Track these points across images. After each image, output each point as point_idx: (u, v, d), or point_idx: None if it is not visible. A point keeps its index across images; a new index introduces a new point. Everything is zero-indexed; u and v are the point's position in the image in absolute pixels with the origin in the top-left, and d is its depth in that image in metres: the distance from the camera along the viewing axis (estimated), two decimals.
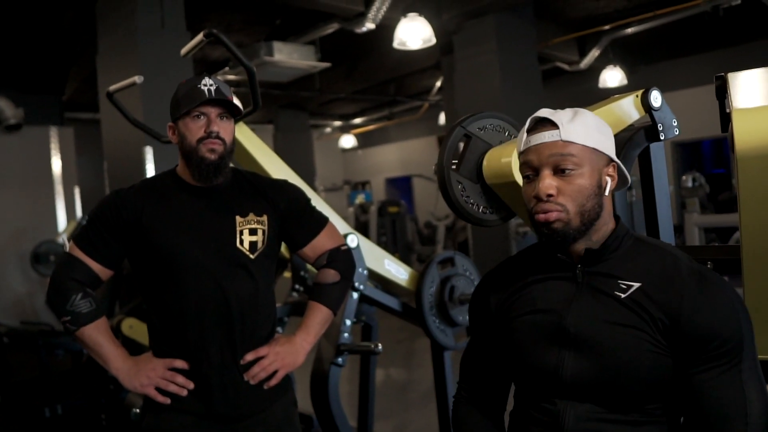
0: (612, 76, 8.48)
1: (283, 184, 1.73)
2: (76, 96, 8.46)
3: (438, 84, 9.73)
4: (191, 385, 1.55)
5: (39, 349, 3.98)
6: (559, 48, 8.27)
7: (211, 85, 1.54)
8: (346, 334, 2.39)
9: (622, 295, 1.12)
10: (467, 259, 2.82)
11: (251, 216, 1.61)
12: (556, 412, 1.13)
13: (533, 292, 1.22)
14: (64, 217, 7.47)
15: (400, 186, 15.01)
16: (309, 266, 2.74)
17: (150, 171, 4.33)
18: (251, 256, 1.59)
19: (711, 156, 11.68)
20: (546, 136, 1.13)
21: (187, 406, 1.56)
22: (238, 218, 1.59)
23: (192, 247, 1.55)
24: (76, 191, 7.68)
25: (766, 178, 1.16)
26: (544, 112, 1.16)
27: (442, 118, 11.18)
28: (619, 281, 1.13)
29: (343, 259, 1.74)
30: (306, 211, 1.72)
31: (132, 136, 4.40)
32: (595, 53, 8.20)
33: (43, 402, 3.69)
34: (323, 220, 1.75)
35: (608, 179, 1.15)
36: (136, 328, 3.23)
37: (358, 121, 13.39)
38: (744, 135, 1.13)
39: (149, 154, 4.32)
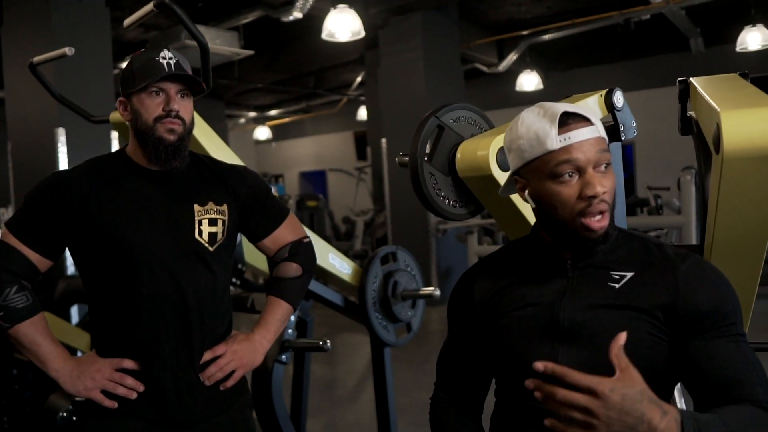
0: (528, 80, 8.75)
1: (244, 171, 1.60)
2: None
3: (359, 79, 9.69)
4: (141, 388, 1.41)
5: None
6: (480, 50, 8.45)
7: (170, 58, 1.41)
8: (290, 331, 2.29)
9: (617, 285, 1.11)
10: (408, 254, 2.79)
11: (211, 205, 1.48)
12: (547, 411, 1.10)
13: (523, 288, 1.19)
14: None
15: (315, 180, 14.87)
16: (247, 259, 2.62)
17: (62, 154, 4.01)
18: (210, 248, 1.46)
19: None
20: (587, 132, 1.08)
21: (136, 410, 1.41)
22: (197, 207, 1.46)
23: (146, 236, 1.40)
24: None
25: (749, 178, 1.18)
26: (561, 106, 1.11)
27: (360, 114, 11.16)
28: (612, 272, 1.13)
29: (305, 252, 1.65)
30: (267, 201, 1.61)
31: (43, 115, 4.07)
32: (513, 57, 8.44)
33: None
34: (284, 212, 1.65)
35: None
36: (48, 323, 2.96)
37: (273, 112, 13.15)
38: (732, 137, 1.14)
39: (62, 135, 4.00)
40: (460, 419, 1.28)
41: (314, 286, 2.46)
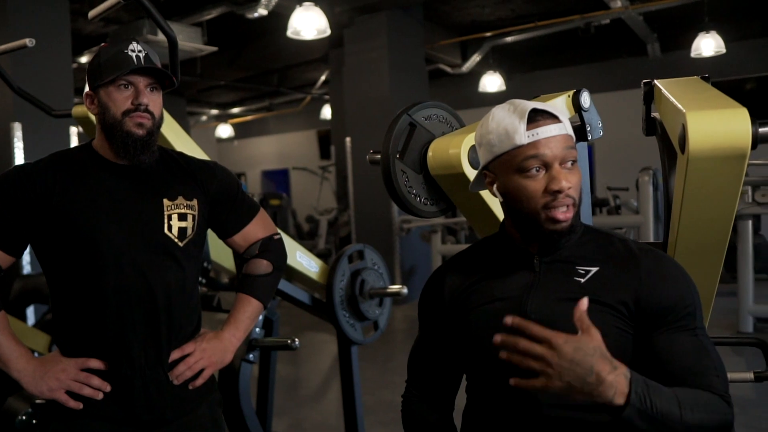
0: (491, 81, 8.84)
1: (214, 166, 1.58)
2: None
3: (323, 77, 9.65)
4: (108, 388, 1.37)
5: None
6: (444, 50, 8.51)
7: (140, 51, 1.38)
8: (257, 329, 2.27)
9: (582, 280, 1.14)
10: (376, 252, 2.79)
11: (180, 200, 1.45)
12: (519, 402, 1.12)
13: (491, 283, 1.21)
14: None
15: (277, 179, 14.76)
16: (212, 257, 2.59)
17: (18, 149, 3.88)
18: (180, 244, 1.44)
19: None
20: (554, 129, 1.11)
21: (103, 411, 1.37)
22: (166, 201, 1.44)
23: (114, 232, 1.37)
24: None
25: (713, 177, 1.21)
26: (530, 104, 1.13)
27: (323, 112, 11.12)
28: (577, 267, 1.16)
29: (276, 249, 1.63)
30: (238, 196, 1.59)
31: None
32: (476, 58, 8.52)
33: None
34: (255, 207, 1.63)
35: None
36: None
37: (236, 110, 13.00)
38: (697, 137, 1.17)
39: (18, 131, 3.87)
40: (432, 416, 1.29)
41: (282, 284, 2.44)
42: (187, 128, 11.33)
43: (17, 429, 1.81)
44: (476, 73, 8.92)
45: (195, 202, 1.48)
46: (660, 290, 1.11)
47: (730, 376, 1.52)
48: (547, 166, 1.11)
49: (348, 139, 7.33)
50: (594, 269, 1.15)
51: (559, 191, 1.09)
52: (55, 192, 1.36)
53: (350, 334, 2.61)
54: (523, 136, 1.10)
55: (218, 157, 14.96)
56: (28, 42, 1.93)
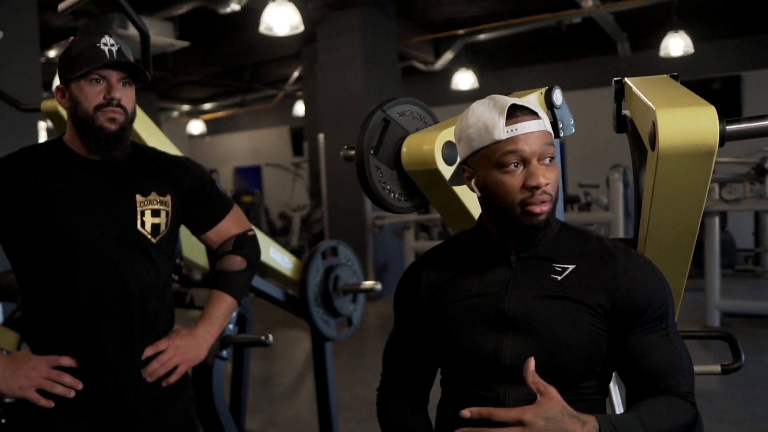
0: (464, 79, 8.88)
1: (187, 161, 1.57)
2: None
3: (296, 74, 9.61)
4: (80, 386, 1.35)
5: None
6: (417, 47, 8.53)
7: (112, 45, 1.36)
8: (231, 326, 2.26)
9: (558, 278, 1.16)
10: (350, 249, 2.80)
11: (154, 195, 1.44)
12: (494, 398, 1.13)
13: (469, 279, 1.21)
14: None
15: (249, 176, 14.66)
16: (185, 253, 2.56)
17: None
18: (153, 240, 1.43)
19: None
20: (533, 126, 1.12)
21: (75, 409, 1.35)
22: (139, 197, 1.42)
23: (86, 227, 1.35)
24: None
25: (680, 174, 1.24)
26: (510, 99, 1.14)
27: (296, 109, 11.06)
28: (554, 264, 1.17)
29: (250, 245, 1.63)
30: (212, 192, 1.58)
31: None
32: (449, 56, 8.56)
33: None
34: (229, 203, 1.63)
35: None
36: None
37: (208, 106, 12.87)
38: (667, 134, 1.19)
39: None
40: (406, 410, 1.29)
41: (255, 280, 2.43)
42: (158, 124, 11.14)
43: None
44: (449, 71, 8.96)
45: (168, 198, 1.47)
46: (635, 291, 1.13)
47: (699, 368, 1.56)
48: (525, 161, 1.12)
49: (321, 136, 7.31)
50: (571, 267, 1.16)
51: (537, 187, 1.10)
52: (26, 187, 1.34)
53: (324, 330, 2.61)
54: (502, 131, 1.11)
55: (190, 153, 14.75)
56: None
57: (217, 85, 10.93)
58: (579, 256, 1.18)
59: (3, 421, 1.81)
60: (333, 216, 7.37)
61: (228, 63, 9.31)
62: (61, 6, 1.75)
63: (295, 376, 4.75)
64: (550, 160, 1.14)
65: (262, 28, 5.58)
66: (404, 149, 1.55)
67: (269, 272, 2.55)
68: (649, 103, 1.29)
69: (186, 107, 12.87)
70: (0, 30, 1.87)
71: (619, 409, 1.67)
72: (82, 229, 1.35)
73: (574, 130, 1.71)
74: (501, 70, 10.02)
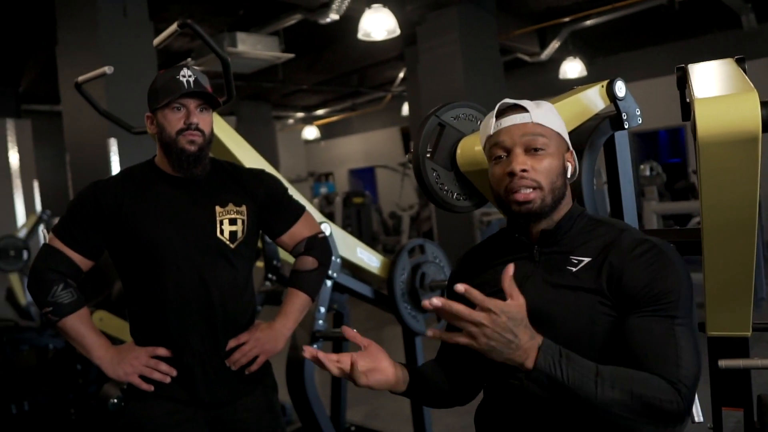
0: (572, 68, 8.64)
1: (261, 173, 1.75)
2: (33, 87, 8.25)
3: (401, 75, 9.77)
4: (174, 373, 1.57)
5: (3, 345, 3.91)
6: (520, 40, 8.40)
7: (189, 76, 1.56)
8: (320, 322, 2.42)
9: (574, 269, 1.19)
10: (436, 246, 2.88)
11: (231, 206, 1.63)
12: (519, 385, 1.18)
13: (496, 274, 1.26)
14: (23, 211, 7.29)
15: (364, 177, 15.03)
16: (282, 255, 2.77)
17: (115, 163, 4.26)
18: (231, 246, 1.61)
19: (667, 146, 12.01)
20: (517, 119, 1.21)
21: (170, 393, 1.58)
22: (218, 208, 1.62)
23: (173, 237, 1.56)
24: (35, 185, 7.50)
25: (725, 163, 1.22)
26: (509, 101, 1.23)
27: (404, 109, 11.24)
28: (572, 257, 1.20)
29: (320, 246, 1.78)
30: (284, 200, 1.75)
31: (96, 127, 4.33)
32: (555, 45, 8.36)
33: (9, 398, 3.62)
34: (300, 209, 1.78)
35: (568, 164, 1.25)
36: (106, 321, 3.20)
37: (320, 112, 13.35)
38: (705, 123, 1.19)
39: (114, 146, 4.26)
40: (435, 366, 1.36)
41: (345, 279, 2.58)
42: (273, 132, 11.78)
43: (110, 411, 2.06)
44: (556, 60, 8.75)
45: (244, 207, 1.65)
46: (639, 274, 1.12)
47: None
48: (508, 152, 1.20)
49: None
50: (587, 259, 1.18)
51: (511, 173, 1.17)
52: (123, 203, 1.57)
53: (412, 325, 2.71)
54: (491, 128, 1.23)
55: (306, 158, 15.44)
56: (107, 69, 2.16)
57: (327, 92, 11.33)
58: (597, 249, 1.19)
59: (123, 404, 2.09)
60: (440, 213, 7.44)
61: (334, 69, 9.64)
62: (156, 41, 1.99)
63: None
64: (539, 151, 1.19)
65: (360, 35, 5.79)
66: (458, 151, 1.63)
67: (359, 271, 2.70)
68: (693, 92, 1.29)
69: (300, 114, 13.43)
70: (110, 65, 2.13)
71: None
72: (170, 238, 1.56)
73: (641, 121, 1.70)
74: (611, 55, 9.62)
